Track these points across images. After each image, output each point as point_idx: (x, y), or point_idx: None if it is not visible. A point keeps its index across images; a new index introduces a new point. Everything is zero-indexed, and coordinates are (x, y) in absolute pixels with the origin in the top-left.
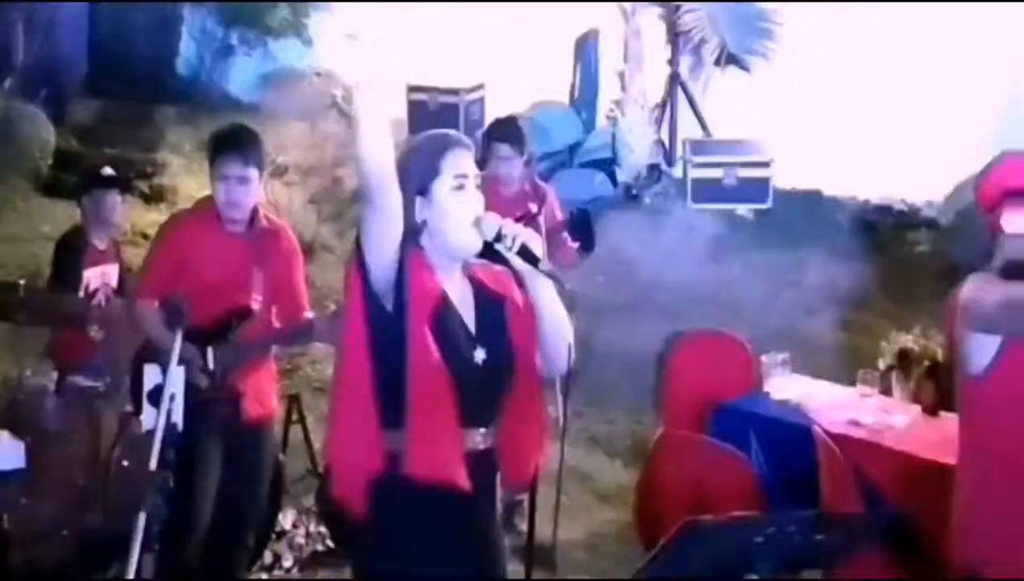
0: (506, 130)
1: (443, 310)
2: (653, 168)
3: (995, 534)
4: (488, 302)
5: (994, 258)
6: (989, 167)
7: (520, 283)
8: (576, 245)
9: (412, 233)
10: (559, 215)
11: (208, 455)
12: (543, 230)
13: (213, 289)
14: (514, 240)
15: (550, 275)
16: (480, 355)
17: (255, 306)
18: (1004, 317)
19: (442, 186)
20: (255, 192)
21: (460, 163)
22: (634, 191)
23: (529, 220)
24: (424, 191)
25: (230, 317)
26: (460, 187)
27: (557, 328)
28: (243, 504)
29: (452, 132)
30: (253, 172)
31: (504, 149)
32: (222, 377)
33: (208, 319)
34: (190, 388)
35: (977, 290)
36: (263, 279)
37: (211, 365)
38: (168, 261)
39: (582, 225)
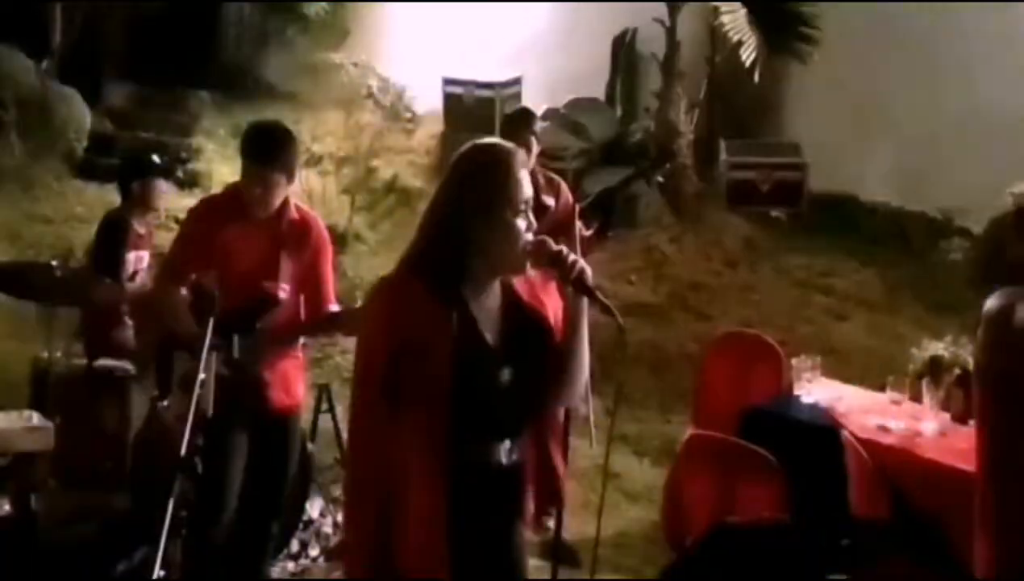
0: (516, 124)
1: (459, 338)
2: (664, 151)
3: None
4: (522, 318)
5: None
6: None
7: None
8: (591, 233)
9: (443, 260)
10: (572, 207)
11: (233, 443)
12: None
13: (238, 277)
14: (572, 268)
15: (606, 309)
16: (505, 374)
17: (282, 295)
18: None
19: (508, 209)
20: (279, 193)
21: (526, 185)
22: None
23: (544, 214)
24: (488, 211)
25: (256, 306)
26: (524, 211)
27: (580, 363)
28: (268, 493)
29: (516, 149)
30: (278, 177)
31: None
32: (247, 366)
33: (233, 307)
34: (215, 376)
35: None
36: (291, 269)
37: (236, 354)
38: (191, 245)
39: (605, 207)
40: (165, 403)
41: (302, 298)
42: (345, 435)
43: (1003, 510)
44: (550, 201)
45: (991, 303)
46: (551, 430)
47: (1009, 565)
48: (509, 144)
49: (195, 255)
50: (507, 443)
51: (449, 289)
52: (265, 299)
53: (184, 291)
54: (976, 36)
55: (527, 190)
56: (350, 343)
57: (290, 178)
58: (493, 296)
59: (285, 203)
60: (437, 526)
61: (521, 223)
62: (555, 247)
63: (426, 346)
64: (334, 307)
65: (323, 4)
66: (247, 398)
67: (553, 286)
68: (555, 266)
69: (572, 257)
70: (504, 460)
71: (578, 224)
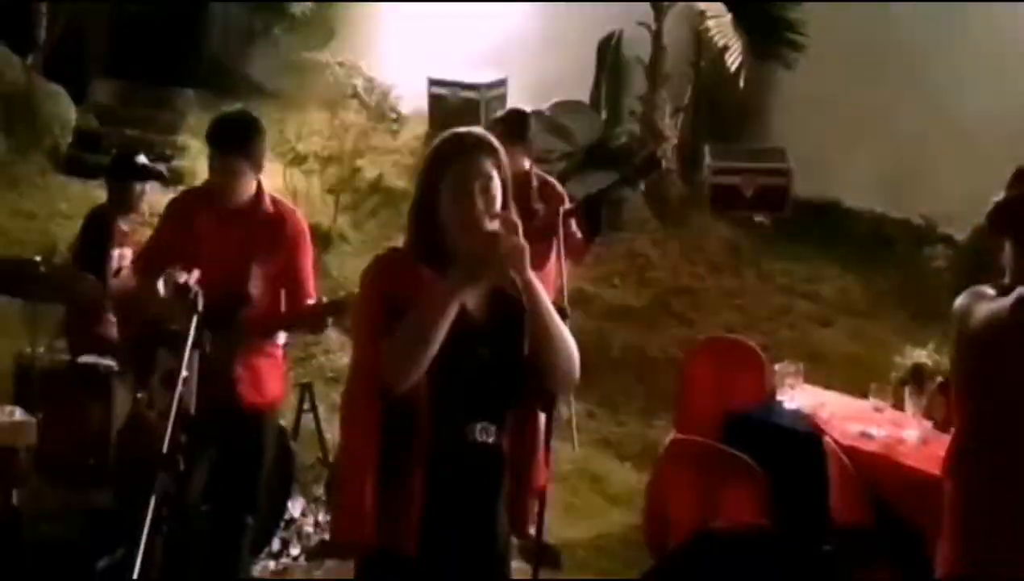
0: (509, 125)
1: None
2: (651, 159)
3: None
4: (507, 303)
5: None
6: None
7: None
8: (581, 236)
9: (426, 239)
10: (565, 209)
11: (199, 439)
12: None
13: (211, 270)
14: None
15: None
16: (486, 352)
17: (254, 291)
18: None
19: (447, 190)
20: (244, 181)
21: (468, 168)
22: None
23: (532, 218)
24: (436, 193)
25: (228, 303)
26: (466, 192)
27: (553, 348)
28: (242, 490)
29: (474, 131)
30: (241, 164)
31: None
32: (219, 362)
33: (206, 303)
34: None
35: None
36: (266, 263)
37: (207, 349)
38: (163, 237)
39: (592, 212)
40: (139, 395)
41: (282, 293)
42: (327, 435)
43: (965, 509)
44: (538, 206)
45: (957, 303)
46: (529, 424)
47: (971, 565)
48: (472, 130)
49: (168, 248)
50: (483, 423)
51: (434, 262)
52: (237, 296)
53: (160, 285)
54: (961, 43)
55: (470, 171)
56: (334, 343)
57: (255, 167)
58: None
59: (259, 196)
60: (412, 499)
61: (472, 197)
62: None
63: (406, 305)
64: (311, 301)
65: (309, 3)
66: (218, 395)
67: (547, 274)
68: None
69: (511, 240)
70: (479, 439)
71: (573, 227)
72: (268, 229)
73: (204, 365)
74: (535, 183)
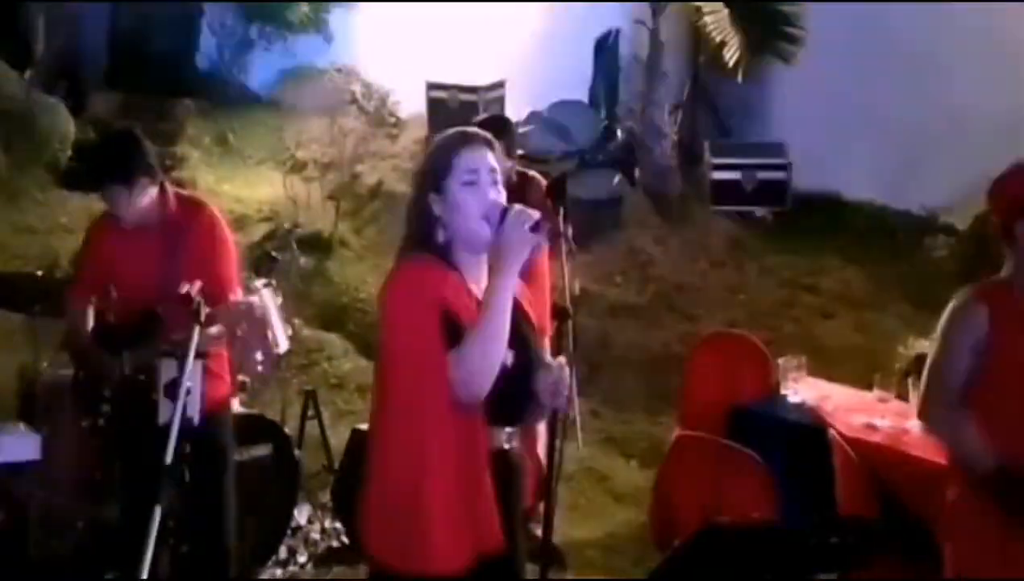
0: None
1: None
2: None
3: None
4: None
5: (1004, 267)
6: (1004, 177)
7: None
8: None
9: (426, 237)
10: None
11: (128, 456)
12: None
13: (124, 287)
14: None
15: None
16: (509, 357)
17: (159, 310)
18: None
19: (454, 182)
20: (135, 200)
21: (473, 159)
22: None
23: None
24: (439, 188)
25: (142, 324)
26: (471, 183)
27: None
28: (210, 493)
29: (470, 129)
30: (119, 190)
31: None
32: (142, 380)
33: (120, 323)
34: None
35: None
36: (179, 271)
37: (127, 370)
38: (85, 263)
39: (558, 190)
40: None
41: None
42: (332, 441)
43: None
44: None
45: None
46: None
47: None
48: (470, 127)
49: (92, 273)
50: (507, 428)
51: (443, 257)
52: (151, 316)
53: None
54: (960, 34)
55: (474, 162)
56: (337, 349)
57: (141, 184)
58: (484, 280)
59: (164, 203)
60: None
61: (469, 192)
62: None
63: (458, 311)
64: (233, 298)
65: (306, 9)
66: (139, 410)
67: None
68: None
69: (517, 207)
70: (504, 445)
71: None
72: (173, 239)
73: (128, 385)
74: (514, 179)
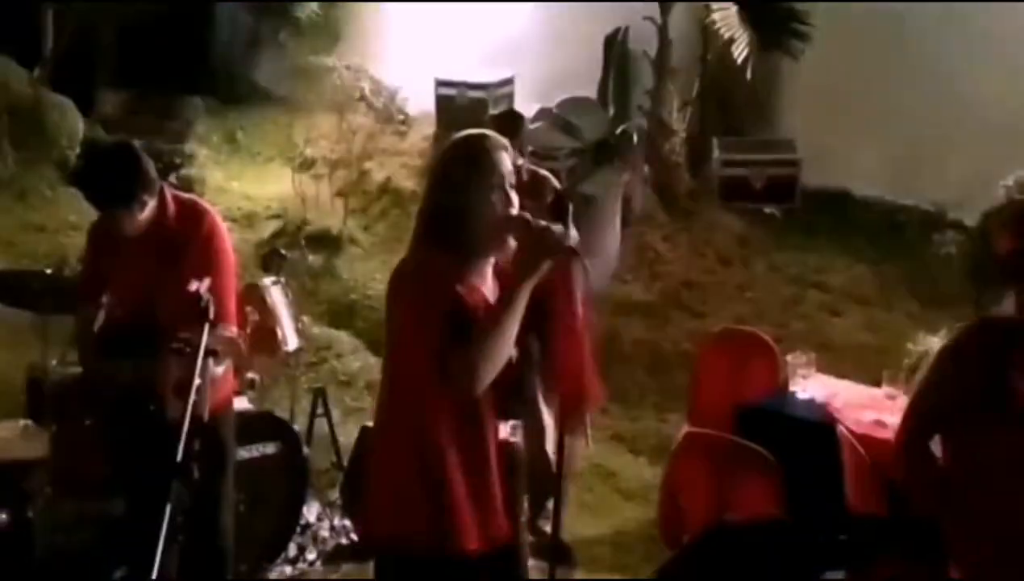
0: (502, 124)
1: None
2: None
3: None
4: None
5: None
6: (1012, 215)
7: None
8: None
9: (440, 235)
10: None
11: (126, 456)
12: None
13: (121, 296)
14: (543, 233)
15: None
16: (514, 353)
17: (164, 315)
18: None
19: (473, 185)
20: (135, 215)
21: (493, 163)
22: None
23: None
24: (457, 189)
25: (141, 328)
26: (491, 187)
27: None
28: (210, 490)
29: (491, 133)
30: (119, 212)
31: None
32: (143, 388)
33: (118, 334)
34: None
35: None
36: (178, 278)
37: (127, 378)
38: (88, 264)
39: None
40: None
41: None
42: (341, 438)
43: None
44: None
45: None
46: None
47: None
48: (486, 132)
49: (95, 275)
50: (512, 421)
51: (463, 257)
52: (149, 326)
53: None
54: (968, 31)
55: (502, 170)
56: (346, 347)
57: (140, 201)
58: (489, 280)
59: (162, 212)
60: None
61: (496, 198)
62: (524, 217)
63: (467, 308)
64: (227, 331)
65: (315, 7)
66: (141, 412)
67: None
68: (525, 233)
69: (543, 223)
70: (510, 438)
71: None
72: (172, 246)
73: (129, 393)
74: (525, 178)
